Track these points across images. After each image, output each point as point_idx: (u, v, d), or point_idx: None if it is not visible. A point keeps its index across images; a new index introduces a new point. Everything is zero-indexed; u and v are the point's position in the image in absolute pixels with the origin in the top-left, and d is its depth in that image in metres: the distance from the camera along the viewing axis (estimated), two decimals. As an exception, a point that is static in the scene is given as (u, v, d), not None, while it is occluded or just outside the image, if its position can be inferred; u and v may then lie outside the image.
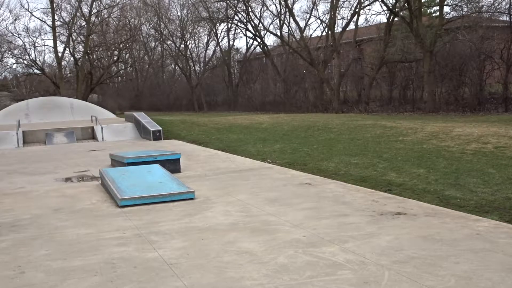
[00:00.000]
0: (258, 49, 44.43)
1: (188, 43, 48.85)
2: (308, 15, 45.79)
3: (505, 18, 26.26)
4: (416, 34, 25.32)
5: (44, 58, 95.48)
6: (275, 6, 52.38)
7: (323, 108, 32.24)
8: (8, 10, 67.33)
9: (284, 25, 40.51)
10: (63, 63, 43.11)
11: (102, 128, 19.03)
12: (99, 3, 41.95)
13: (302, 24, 44.56)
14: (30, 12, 59.19)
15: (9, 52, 42.02)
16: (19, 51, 42.13)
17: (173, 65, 54.95)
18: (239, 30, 52.94)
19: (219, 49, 48.32)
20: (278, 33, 40.02)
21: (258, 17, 52.90)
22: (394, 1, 28.66)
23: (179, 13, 56.65)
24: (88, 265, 4.66)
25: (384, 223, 5.68)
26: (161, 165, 9.09)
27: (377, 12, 77.99)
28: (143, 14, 49.98)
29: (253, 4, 40.61)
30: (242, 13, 40.27)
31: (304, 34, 37.20)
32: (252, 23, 40.17)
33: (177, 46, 48.36)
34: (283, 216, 6.20)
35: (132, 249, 5.11)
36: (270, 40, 73.59)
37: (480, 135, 12.08)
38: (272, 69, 39.84)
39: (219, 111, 40.77)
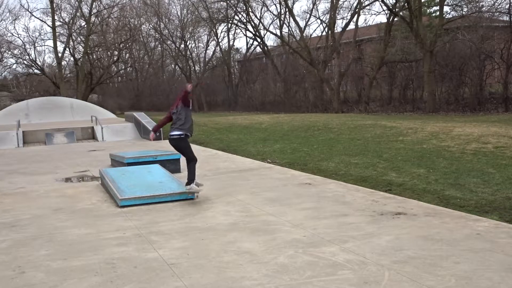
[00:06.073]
0: (258, 49, 44.52)
1: (188, 43, 48.92)
2: (308, 15, 45.77)
3: (505, 18, 26.26)
4: (416, 34, 25.31)
5: (44, 58, 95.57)
6: (275, 6, 52.38)
7: (323, 108, 32.24)
8: (8, 10, 67.12)
9: (284, 25, 40.69)
10: (63, 63, 43.12)
11: (102, 128, 19.03)
12: (99, 3, 41.95)
13: (302, 24, 44.68)
14: (30, 12, 58.96)
15: (9, 52, 42.03)
16: (19, 51, 42.16)
17: (173, 65, 54.99)
18: (239, 30, 53.08)
19: (219, 49, 48.39)
20: (278, 33, 40.07)
21: (258, 17, 52.99)
22: (394, 1, 28.66)
23: (179, 13, 56.66)
24: (88, 265, 4.66)
25: (384, 223, 5.68)
26: (161, 165, 9.09)
27: (377, 12, 77.83)
28: (143, 14, 49.98)
29: (253, 4, 40.59)
30: (242, 13, 40.31)
31: (304, 34, 37.21)
32: (252, 23, 40.22)
33: (177, 46, 48.37)
34: (283, 216, 6.19)
35: (132, 249, 5.11)
36: (270, 40, 73.69)
37: (480, 135, 12.07)
38: (272, 69, 39.84)
39: (219, 111, 40.77)
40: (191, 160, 7.25)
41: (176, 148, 7.39)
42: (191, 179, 7.14)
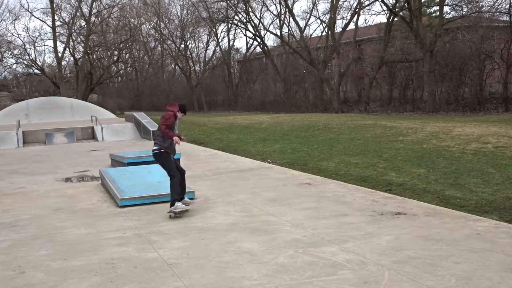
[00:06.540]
0: (258, 49, 44.52)
1: (188, 43, 48.92)
2: (308, 15, 45.75)
3: (505, 18, 26.25)
4: (416, 34, 25.31)
5: (44, 58, 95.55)
6: (275, 6, 52.44)
7: (323, 108, 32.24)
8: (8, 10, 67.07)
9: (284, 25, 40.64)
10: (63, 63, 43.13)
11: (102, 128, 19.02)
12: (99, 3, 41.93)
13: (302, 24, 44.64)
14: (30, 12, 58.90)
15: (9, 52, 42.00)
16: (19, 51, 42.12)
17: (173, 65, 55.00)
18: (239, 30, 53.05)
19: (219, 49, 48.40)
20: (278, 33, 40.08)
21: (258, 17, 52.98)
22: (394, 1, 28.65)
23: (179, 13, 56.66)
24: (88, 265, 4.66)
25: (384, 223, 5.68)
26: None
27: (377, 12, 78.08)
28: (143, 14, 49.96)
29: (253, 4, 40.58)
30: (242, 13, 40.32)
31: (304, 34, 37.21)
32: (252, 23, 40.23)
33: (177, 46, 48.38)
34: (283, 216, 6.19)
35: (132, 249, 5.11)
36: (270, 40, 73.71)
37: (480, 135, 12.07)
38: (272, 69, 39.84)
39: (219, 111, 40.77)
40: (171, 177, 6.44)
41: (157, 162, 6.79)
42: (173, 199, 6.37)
